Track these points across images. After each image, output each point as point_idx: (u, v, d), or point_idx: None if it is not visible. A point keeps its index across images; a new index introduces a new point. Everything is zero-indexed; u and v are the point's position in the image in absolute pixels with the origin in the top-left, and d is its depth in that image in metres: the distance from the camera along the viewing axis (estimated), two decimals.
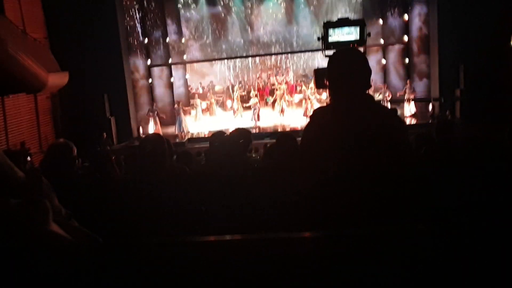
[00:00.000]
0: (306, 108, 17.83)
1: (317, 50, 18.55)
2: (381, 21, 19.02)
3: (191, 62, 20.75)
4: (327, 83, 2.26)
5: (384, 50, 19.35)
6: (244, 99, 19.77)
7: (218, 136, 3.98)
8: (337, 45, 3.07)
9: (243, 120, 18.33)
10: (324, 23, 3.14)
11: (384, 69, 19.41)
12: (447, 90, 16.70)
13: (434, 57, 17.73)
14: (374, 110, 2.19)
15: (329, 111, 2.25)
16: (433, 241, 1.36)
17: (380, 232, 1.38)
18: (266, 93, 20.13)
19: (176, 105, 18.27)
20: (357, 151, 2.06)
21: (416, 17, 18.32)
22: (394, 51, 19.26)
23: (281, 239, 1.39)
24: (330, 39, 3.10)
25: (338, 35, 3.07)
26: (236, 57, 21.18)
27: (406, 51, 18.78)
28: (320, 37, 3.15)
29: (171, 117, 18.46)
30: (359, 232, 1.39)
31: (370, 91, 2.32)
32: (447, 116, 15.68)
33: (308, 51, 20.22)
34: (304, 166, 2.24)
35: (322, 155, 2.11)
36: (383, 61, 19.38)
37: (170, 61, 19.99)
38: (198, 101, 19.65)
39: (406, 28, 18.63)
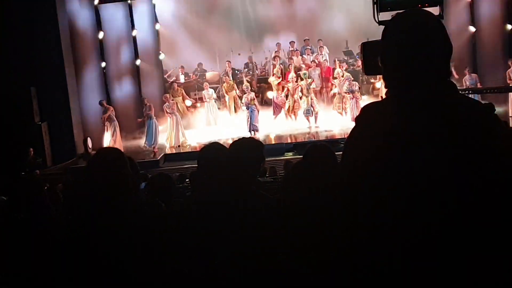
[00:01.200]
0: (343, 106, 17.23)
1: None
2: None
3: None
4: (382, 65, 2.04)
5: (472, 9, 18.41)
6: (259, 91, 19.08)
7: (212, 151, 3.65)
8: (397, 5, 2.72)
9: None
10: None
11: (471, 42, 18.35)
12: None
13: None
14: (459, 107, 1.91)
15: (386, 110, 2.00)
16: None
17: None
18: (287, 82, 18.10)
19: (146, 103, 17.40)
20: (434, 172, 1.83)
21: None
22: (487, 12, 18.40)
23: None
24: None
25: None
26: None
27: (508, 12, 17.75)
28: None
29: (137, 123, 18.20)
30: None
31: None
32: None
33: None
34: (350, 196, 2.01)
35: (378, 179, 1.90)
36: (471, 29, 18.28)
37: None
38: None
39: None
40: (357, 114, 2.11)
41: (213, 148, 3.67)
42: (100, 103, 17.07)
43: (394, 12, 2.17)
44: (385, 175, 1.87)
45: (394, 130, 1.89)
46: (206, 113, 18.06)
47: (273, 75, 18.16)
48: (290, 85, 17.41)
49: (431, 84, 1.92)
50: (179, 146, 16.84)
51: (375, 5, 2.75)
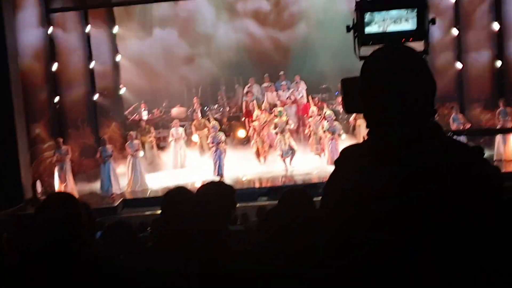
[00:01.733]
0: (321, 148, 17.31)
1: None
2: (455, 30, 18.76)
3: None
4: (362, 103, 2.12)
5: (459, 45, 18.82)
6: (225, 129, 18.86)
7: (177, 196, 3.67)
8: (379, 39, 2.75)
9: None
10: (357, 3, 2.83)
11: (458, 80, 18.80)
12: None
13: None
14: (445, 150, 1.98)
15: (367, 153, 2.06)
16: None
17: None
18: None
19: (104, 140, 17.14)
20: (418, 220, 1.87)
21: None
22: (475, 48, 18.95)
23: None
24: (368, 30, 2.79)
25: (381, 22, 2.79)
26: None
27: (498, 47, 18.24)
28: (351, 25, 2.84)
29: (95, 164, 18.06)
30: None
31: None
32: None
33: None
34: (330, 244, 2.07)
35: (360, 225, 1.95)
36: (457, 65, 18.64)
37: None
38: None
39: (496, 9, 18.20)
40: (336, 157, 2.22)
41: (178, 193, 3.70)
42: (56, 142, 16.77)
43: (376, 47, 2.24)
44: (371, 219, 1.91)
45: (376, 174, 1.95)
46: (174, 154, 18.01)
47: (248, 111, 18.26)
48: (255, 123, 17.48)
49: (414, 125, 1.97)
50: (141, 190, 16.72)
51: (355, 39, 2.81)
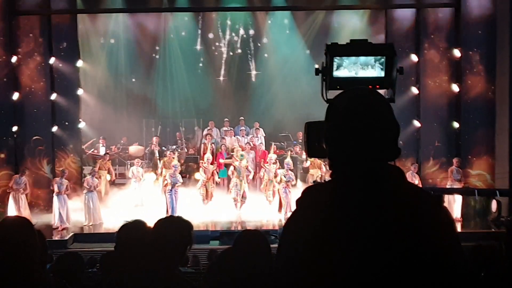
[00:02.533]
0: (273, 194, 17.02)
1: None
2: (414, 57, 18.58)
3: None
4: (326, 146, 2.13)
5: (418, 103, 18.88)
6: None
7: (132, 230, 3.56)
8: (346, 84, 2.64)
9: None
10: (327, 46, 2.77)
11: (416, 137, 18.84)
12: None
13: (503, 124, 17.23)
14: (407, 196, 1.97)
15: (329, 193, 2.04)
16: None
17: None
18: (218, 164, 18.09)
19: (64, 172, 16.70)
20: (375, 266, 1.86)
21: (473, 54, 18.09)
22: (433, 107, 18.97)
23: None
24: (336, 74, 2.72)
25: (350, 67, 2.72)
26: None
27: (456, 108, 18.44)
28: (320, 68, 2.76)
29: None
30: None
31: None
32: None
33: None
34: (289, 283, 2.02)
35: (317, 269, 1.91)
36: (415, 123, 18.74)
37: None
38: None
39: (456, 68, 18.32)
40: (288, 205, 2.26)
41: (134, 226, 3.57)
42: (22, 170, 16.57)
43: (341, 91, 2.27)
44: (329, 262, 1.88)
45: (338, 215, 1.92)
46: (134, 192, 17.50)
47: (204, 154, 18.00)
48: (207, 166, 17.22)
49: (378, 168, 1.98)
50: (96, 225, 16.29)
51: (323, 82, 2.73)
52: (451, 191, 16.47)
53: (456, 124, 18.42)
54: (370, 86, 2.76)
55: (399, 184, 2.00)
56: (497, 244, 4.85)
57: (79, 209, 16.71)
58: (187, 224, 3.48)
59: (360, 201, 1.94)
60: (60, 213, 16.24)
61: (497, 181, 17.05)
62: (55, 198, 16.31)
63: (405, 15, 18.40)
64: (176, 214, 15.26)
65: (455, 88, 18.01)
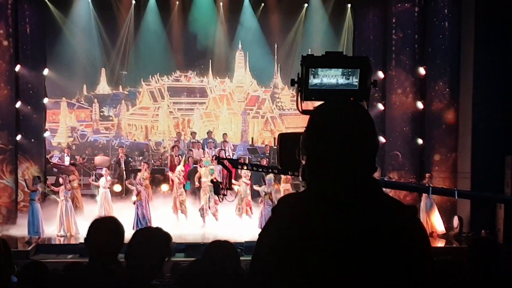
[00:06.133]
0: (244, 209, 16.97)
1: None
2: (380, 74, 18.53)
3: None
4: (303, 157, 2.07)
5: (384, 119, 18.84)
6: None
7: (105, 236, 3.34)
8: (321, 95, 2.70)
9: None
10: (303, 57, 2.79)
11: (380, 154, 18.17)
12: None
13: (465, 144, 17.49)
14: (382, 207, 1.97)
15: (305, 202, 2.02)
16: None
17: None
18: (185, 176, 17.68)
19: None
20: (351, 274, 1.86)
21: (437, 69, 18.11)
22: (399, 125, 18.87)
23: None
24: (311, 85, 2.73)
25: (325, 79, 2.75)
26: None
27: (420, 121, 18.50)
28: (296, 79, 2.78)
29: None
30: None
31: None
32: (484, 236, 14.47)
33: None
34: None
35: (291, 278, 1.90)
36: (381, 139, 18.19)
37: None
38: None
39: (421, 84, 18.48)
40: (273, 206, 2.16)
41: (107, 229, 3.35)
42: None
43: (316, 103, 2.26)
44: (298, 275, 1.87)
45: (312, 224, 1.91)
46: (102, 202, 17.04)
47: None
48: (176, 179, 17.14)
49: (355, 179, 1.95)
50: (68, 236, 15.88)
51: (299, 93, 2.76)
52: (404, 187, 16.17)
53: (420, 141, 18.43)
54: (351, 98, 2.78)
55: (375, 195, 1.99)
56: (461, 260, 4.85)
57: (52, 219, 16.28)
58: (165, 236, 3.37)
59: (336, 211, 1.92)
60: (33, 223, 15.63)
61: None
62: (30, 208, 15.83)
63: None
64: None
65: (419, 105, 18.08)
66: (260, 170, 13.67)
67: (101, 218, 3.52)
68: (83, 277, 3.38)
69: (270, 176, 16.87)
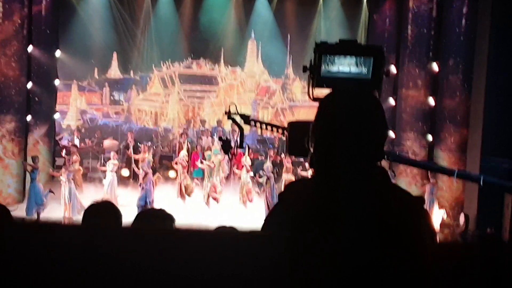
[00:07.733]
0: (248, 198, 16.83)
1: None
2: (393, 68, 18.27)
3: None
4: (311, 145, 2.09)
5: (395, 113, 18.62)
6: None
7: (104, 214, 3.33)
8: (333, 82, 2.65)
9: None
10: (316, 45, 2.74)
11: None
12: (490, 194, 15.28)
13: (475, 138, 16.93)
14: (389, 196, 1.99)
15: (312, 189, 2.03)
16: None
17: None
18: (193, 163, 17.98)
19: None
20: (354, 264, 1.83)
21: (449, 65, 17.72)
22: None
23: None
24: (324, 72, 2.69)
25: (338, 66, 2.71)
26: None
27: (431, 117, 18.25)
28: (308, 66, 2.73)
29: None
30: None
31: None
32: (489, 234, 14.85)
33: None
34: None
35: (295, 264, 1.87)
36: (391, 135, 18.17)
37: None
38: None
39: (433, 80, 18.20)
40: (280, 191, 2.16)
41: (103, 214, 3.30)
42: None
43: (328, 90, 2.30)
44: (303, 261, 1.83)
45: (318, 211, 1.91)
46: (109, 186, 16.86)
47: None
48: (182, 162, 17.15)
49: (363, 168, 1.97)
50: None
51: (310, 80, 2.75)
52: (428, 167, 15.91)
53: (430, 137, 18.10)
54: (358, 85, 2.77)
55: (382, 184, 2.01)
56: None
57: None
58: (169, 218, 3.38)
59: (344, 198, 1.94)
60: (34, 202, 15.59)
61: (467, 193, 17.07)
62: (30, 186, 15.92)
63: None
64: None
65: (430, 101, 18.00)
66: (272, 129, 13.47)
67: (97, 203, 3.49)
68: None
69: (267, 164, 16.96)
